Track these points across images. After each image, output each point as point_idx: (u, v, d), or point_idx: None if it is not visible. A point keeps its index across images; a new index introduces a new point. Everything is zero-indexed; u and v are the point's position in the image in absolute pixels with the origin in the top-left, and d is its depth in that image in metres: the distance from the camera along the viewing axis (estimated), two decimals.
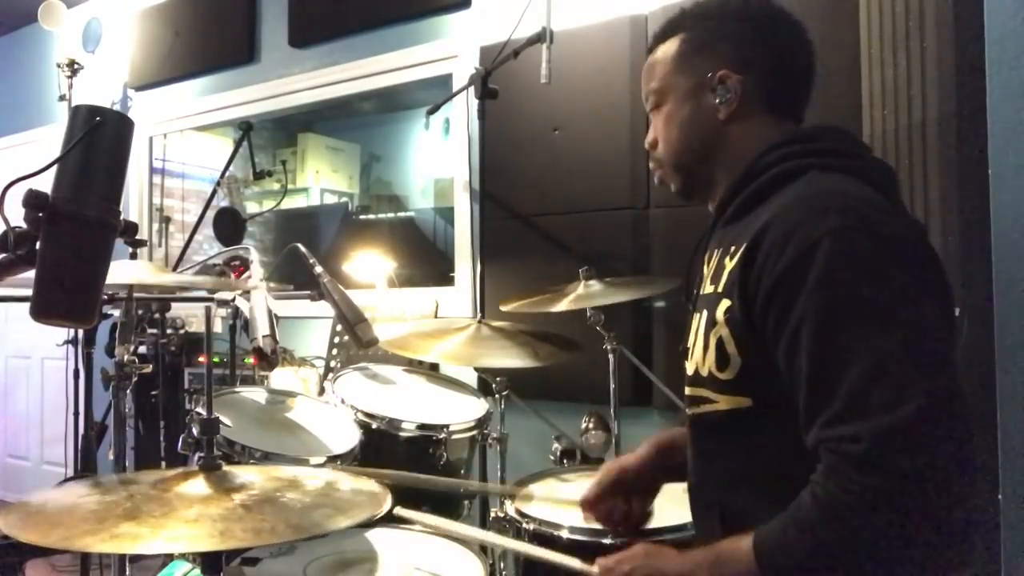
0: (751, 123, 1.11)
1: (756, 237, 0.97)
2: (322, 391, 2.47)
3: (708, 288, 1.07)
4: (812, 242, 0.90)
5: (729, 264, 1.02)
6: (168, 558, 1.62)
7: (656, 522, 1.45)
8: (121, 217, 0.89)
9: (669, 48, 1.17)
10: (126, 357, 1.74)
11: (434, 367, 2.32)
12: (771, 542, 0.90)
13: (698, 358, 1.06)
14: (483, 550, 1.57)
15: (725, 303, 1.00)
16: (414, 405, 1.94)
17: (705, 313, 1.05)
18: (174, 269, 3.20)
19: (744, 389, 1.00)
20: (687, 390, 1.11)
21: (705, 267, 1.12)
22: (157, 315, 2.92)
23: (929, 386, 0.84)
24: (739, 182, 1.08)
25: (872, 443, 0.83)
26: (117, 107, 4.07)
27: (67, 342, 3.59)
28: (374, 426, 1.80)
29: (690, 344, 1.10)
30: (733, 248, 1.02)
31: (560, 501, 1.53)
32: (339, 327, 2.79)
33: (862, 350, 0.86)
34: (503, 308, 2.15)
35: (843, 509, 0.84)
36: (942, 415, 0.83)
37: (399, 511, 1.30)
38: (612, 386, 2.06)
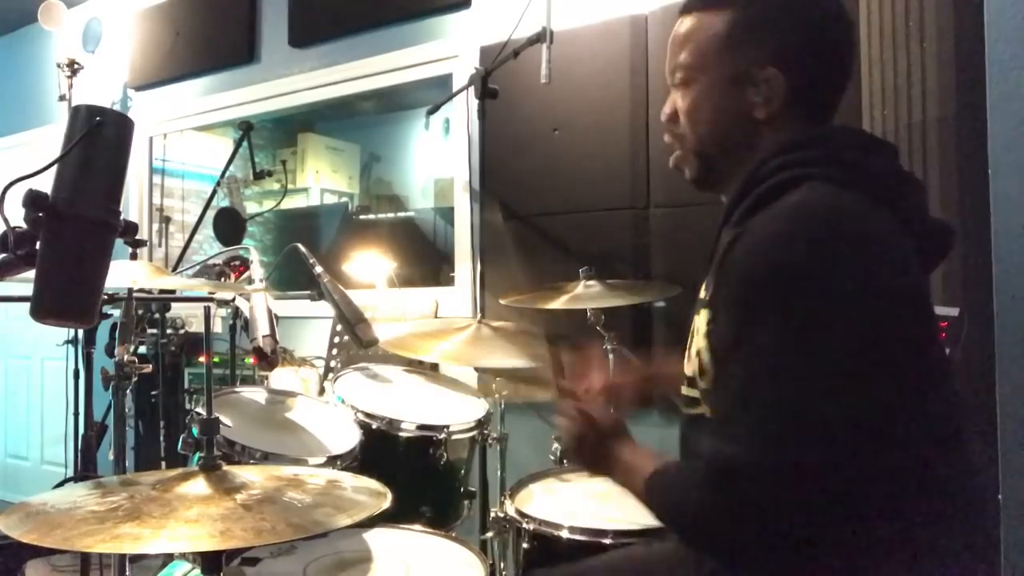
0: (783, 124, 1.04)
1: (727, 249, 0.96)
2: (322, 391, 2.47)
3: (702, 293, 1.07)
4: (753, 265, 0.91)
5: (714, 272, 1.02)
6: (168, 558, 1.62)
7: (657, 521, 1.45)
8: (121, 217, 0.89)
9: (711, 23, 1.06)
10: (126, 357, 1.74)
11: (434, 367, 2.32)
12: (658, 486, 1.02)
13: (693, 362, 1.06)
14: (483, 550, 1.57)
15: (706, 312, 1.01)
16: (414, 405, 1.94)
17: (697, 317, 1.06)
18: (174, 269, 3.20)
19: (714, 400, 1.00)
20: (683, 390, 1.11)
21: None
22: (157, 315, 2.92)
23: (783, 431, 0.87)
24: (743, 188, 1.03)
25: (718, 470, 0.90)
26: (117, 107, 4.07)
27: (67, 342, 3.58)
28: (374, 426, 1.80)
29: (689, 345, 1.11)
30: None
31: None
32: (339, 327, 2.79)
33: (743, 374, 0.91)
34: (502, 302, 2.15)
35: (691, 516, 0.96)
36: (784, 462, 0.86)
37: None
38: None
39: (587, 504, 1.64)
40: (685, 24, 1.09)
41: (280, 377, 2.52)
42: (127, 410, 1.83)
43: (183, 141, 4.24)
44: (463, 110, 2.84)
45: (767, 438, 0.87)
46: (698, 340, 1.03)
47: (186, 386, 3.18)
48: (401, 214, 5.13)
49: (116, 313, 1.85)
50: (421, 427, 1.83)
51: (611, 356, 2.06)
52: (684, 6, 1.11)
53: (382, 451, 1.79)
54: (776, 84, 1.03)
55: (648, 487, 1.02)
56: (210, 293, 2.00)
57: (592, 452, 1.16)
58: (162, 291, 2.19)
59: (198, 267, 2.14)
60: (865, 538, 0.90)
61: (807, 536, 0.89)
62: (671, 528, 1.03)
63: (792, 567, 0.92)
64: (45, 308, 0.84)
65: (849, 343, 0.87)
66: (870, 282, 0.88)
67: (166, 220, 4.13)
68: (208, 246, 4.30)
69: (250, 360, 2.71)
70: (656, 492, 1.02)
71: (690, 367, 1.07)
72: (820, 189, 0.94)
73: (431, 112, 2.63)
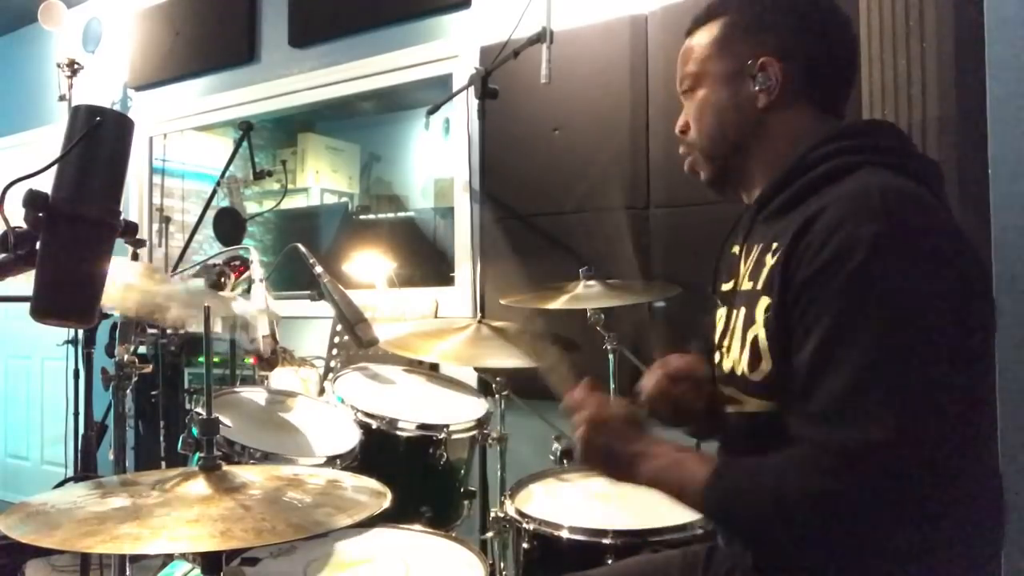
0: (791, 115, 1.08)
1: (799, 232, 0.95)
2: (322, 391, 2.47)
3: (747, 284, 1.05)
4: (851, 244, 0.88)
5: (770, 260, 0.99)
6: (168, 558, 1.62)
7: (657, 522, 1.45)
8: (121, 217, 0.89)
9: (708, 32, 1.13)
10: (126, 357, 1.74)
11: (434, 367, 2.32)
12: (722, 495, 0.95)
13: (735, 356, 1.04)
14: (483, 550, 1.57)
15: (764, 301, 0.98)
16: (414, 405, 1.94)
17: (744, 310, 1.03)
18: (174, 269, 3.20)
19: (772, 393, 0.98)
20: (722, 388, 1.09)
21: (742, 263, 1.09)
22: None
23: (911, 411, 0.85)
24: (787, 175, 1.04)
25: (839, 454, 0.86)
26: (117, 107, 4.07)
27: (67, 342, 3.59)
28: (374, 426, 1.80)
29: (725, 341, 1.09)
30: (775, 245, 0.99)
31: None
32: (339, 327, 2.79)
33: (858, 358, 0.87)
34: (503, 302, 2.15)
35: (799, 508, 0.87)
36: (915, 443, 0.84)
37: None
38: (612, 386, 2.06)
39: (587, 504, 1.64)
40: (688, 42, 1.16)
41: (280, 377, 2.52)
42: (127, 410, 1.83)
43: (183, 141, 4.24)
44: (463, 110, 2.84)
45: (900, 415, 0.84)
46: (752, 331, 1.00)
47: (186, 386, 3.18)
48: (401, 214, 5.13)
49: (116, 313, 1.85)
50: (421, 427, 1.83)
51: (611, 356, 2.07)
52: (687, 30, 1.17)
53: (382, 451, 1.79)
54: (772, 71, 1.07)
55: (716, 492, 0.95)
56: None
57: (611, 455, 1.06)
58: None
59: (198, 267, 2.14)
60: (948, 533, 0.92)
61: (923, 525, 0.88)
62: (766, 528, 0.91)
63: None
64: (45, 308, 0.84)
65: (954, 318, 0.88)
66: (961, 256, 0.92)
67: (166, 220, 4.13)
68: (208, 246, 4.30)
69: (250, 360, 2.71)
70: (733, 494, 0.94)
71: (728, 362, 1.06)
72: (879, 173, 0.96)
73: (431, 112, 2.63)
